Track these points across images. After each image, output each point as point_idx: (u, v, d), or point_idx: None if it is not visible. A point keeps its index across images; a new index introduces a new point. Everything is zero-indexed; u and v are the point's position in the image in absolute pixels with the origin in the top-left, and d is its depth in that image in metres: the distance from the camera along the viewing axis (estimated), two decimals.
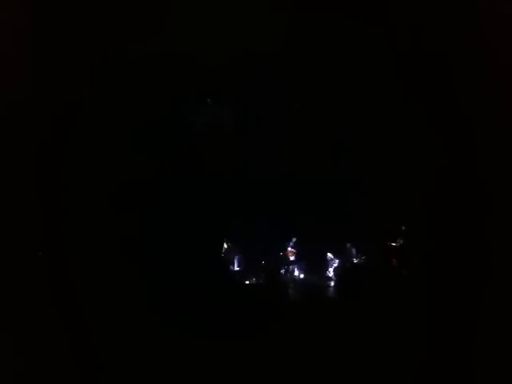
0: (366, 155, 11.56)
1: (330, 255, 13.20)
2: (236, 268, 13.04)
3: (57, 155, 9.06)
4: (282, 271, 13.21)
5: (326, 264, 13.23)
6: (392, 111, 10.12)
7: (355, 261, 13.10)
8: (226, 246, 12.78)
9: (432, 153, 10.12)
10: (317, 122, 10.79)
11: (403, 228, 12.51)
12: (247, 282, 12.60)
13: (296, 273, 13.27)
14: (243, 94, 10.17)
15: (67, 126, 9.06)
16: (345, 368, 8.82)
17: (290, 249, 13.35)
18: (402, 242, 12.53)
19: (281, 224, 12.50)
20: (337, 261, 13.14)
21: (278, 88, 10.15)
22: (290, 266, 13.29)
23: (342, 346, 9.27)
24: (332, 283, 13.01)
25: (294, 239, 13.25)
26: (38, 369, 8.05)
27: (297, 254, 13.28)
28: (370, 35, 9.36)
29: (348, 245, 13.17)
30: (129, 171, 9.30)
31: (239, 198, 11.13)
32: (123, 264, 9.45)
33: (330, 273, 13.16)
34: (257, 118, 10.53)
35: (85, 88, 8.97)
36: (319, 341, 9.48)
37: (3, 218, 8.57)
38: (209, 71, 9.63)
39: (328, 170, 11.85)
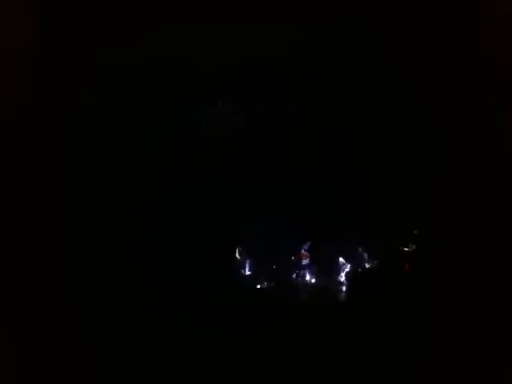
0: (374, 158, 11.66)
1: (341, 260, 13.32)
2: (247, 272, 13.24)
3: (57, 154, 9.35)
4: (293, 275, 13.36)
5: (337, 268, 13.34)
6: (395, 111, 10.21)
7: (367, 265, 13.21)
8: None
9: (438, 154, 10.20)
10: (322, 123, 10.91)
11: (415, 232, 12.60)
12: (258, 286, 12.77)
13: (307, 277, 13.41)
14: (243, 94, 10.39)
15: (67, 126, 9.36)
16: (356, 372, 8.98)
17: (303, 251, 13.50)
18: (414, 246, 12.59)
19: (289, 227, 12.66)
20: (348, 265, 13.25)
21: (278, 88, 10.33)
22: (301, 271, 13.43)
23: (353, 351, 9.40)
24: (344, 288, 13.13)
25: (304, 243, 13.40)
26: (38, 368, 8.33)
27: (307, 258, 13.42)
28: (369, 34, 9.51)
29: (360, 249, 13.30)
30: (130, 171, 9.58)
31: (243, 200, 11.30)
32: (126, 266, 9.68)
33: (342, 277, 13.28)
34: (257, 118, 10.73)
35: (85, 88, 9.27)
36: (329, 345, 9.62)
37: (5, 217, 8.88)
38: (209, 71, 9.87)
39: (337, 172, 11.98)
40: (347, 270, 13.34)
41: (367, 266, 13.27)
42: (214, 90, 10.32)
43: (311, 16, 9.55)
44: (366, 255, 13.32)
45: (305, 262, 13.70)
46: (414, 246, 12.60)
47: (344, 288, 13.18)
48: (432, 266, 11.23)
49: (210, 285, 10.32)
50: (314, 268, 13.59)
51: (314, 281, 13.49)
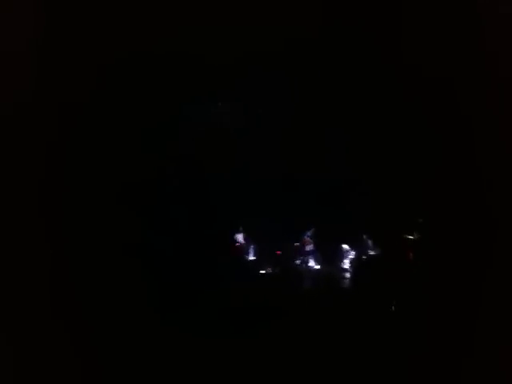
0: (380, 148, 11.59)
1: (345, 246, 13.35)
2: (251, 257, 13.36)
3: (58, 154, 9.40)
4: (297, 261, 13.46)
5: (340, 255, 13.39)
6: (396, 106, 10.09)
7: (371, 253, 13.25)
8: (241, 236, 13.13)
9: (438, 150, 10.15)
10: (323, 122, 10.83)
11: (420, 221, 12.57)
12: (262, 272, 12.89)
13: (311, 263, 13.50)
14: (243, 94, 10.32)
15: (68, 125, 9.39)
16: (358, 360, 9.12)
17: (306, 238, 13.55)
18: (418, 235, 12.59)
19: (293, 214, 12.71)
20: (352, 252, 13.29)
21: (278, 88, 10.24)
22: (305, 257, 13.51)
23: (356, 338, 9.53)
24: (347, 274, 13.19)
25: (308, 229, 13.45)
26: (38, 368, 8.53)
27: (311, 244, 13.48)
28: (369, 34, 9.35)
29: (364, 236, 13.32)
30: (130, 171, 9.62)
31: (247, 189, 11.32)
32: (127, 265, 9.78)
33: (346, 264, 13.33)
34: (257, 117, 10.68)
35: (85, 87, 9.26)
36: (333, 332, 9.75)
37: (5, 217, 8.99)
38: (209, 71, 9.81)
39: (342, 161, 11.95)
40: (351, 257, 13.40)
41: (371, 253, 13.33)
42: (214, 90, 10.27)
43: (312, 16, 9.41)
44: (370, 242, 13.37)
45: (308, 248, 13.79)
46: (419, 235, 12.61)
47: (348, 275, 13.26)
48: (436, 255, 11.25)
49: (214, 277, 10.42)
50: (317, 254, 13.67)
51: (317, 267, 13.59)
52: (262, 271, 12.90)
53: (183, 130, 10.29)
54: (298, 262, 13.53)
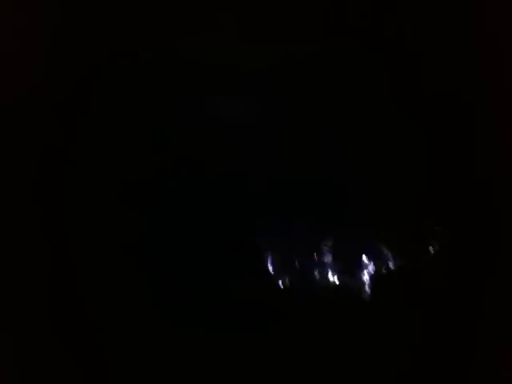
0: (392, 153, 11.48)
1: (364, 258, 13.22)
2: (266, 267, 13.37)
3: (58, 154, 9.58)
4: (314, 272, 13.39)
5: (359, 267, 13.28)
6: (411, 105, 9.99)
7: (391, 265, 13.08)
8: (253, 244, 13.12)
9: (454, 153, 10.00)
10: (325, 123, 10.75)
11: (438, 229, 12.38)
12: (279, 282, 12.89)
13: (328, 274, 13.41)
14: (243, 93, 10.32)
15: (67, 124, 9.58)
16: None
17: (323, 247, 13.46)
18: (437, 244, 12.41)
19: (308, 224, 12.67)
20: (371, 264, 13.15)
21: (279, 88, 10.22)
22: (322, 268, 13.43)
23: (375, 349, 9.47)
24: (366, 287, 13.07)
25: (325, 239, 13.37)
26: (37, 365, 8.72)
27: (328, 255, 13.39)
28: (369, 32, 9.34)
29: (383, 248, 13.15)
30: (131, 171, 9.73)
31: (259, 197, 11.30)
32: (136, 268, 9.89)
33: (364, 276, 13.19)
34: (257, 117, 10.62)
35: (86, 87, 9.44)
36: (352, 344, 9.72)
37: (4, 217, 9.21)
38: (209, 70, 9.91)
39: (354, 168, 11.86)
40: (370, 268, 13.24)
41: (391, 265, 13.15)
42: (215, 90, 10.32)
43: (312, 20, 9.46)
44: (389, 254, 13.16)
45: (326, 259, 13.64)
46: (437, 245, 12.43)
47: (367, 287, 13.12)
48: (457, 265, 11.07)
49: (229, 281, 10.43)
50: (335, 265, 13.53)
51: (335, 278, 13.44)
52: (279, 281, 12.90)
53: (183, 130, 10.34)
54: (315, 272, 13.46)
